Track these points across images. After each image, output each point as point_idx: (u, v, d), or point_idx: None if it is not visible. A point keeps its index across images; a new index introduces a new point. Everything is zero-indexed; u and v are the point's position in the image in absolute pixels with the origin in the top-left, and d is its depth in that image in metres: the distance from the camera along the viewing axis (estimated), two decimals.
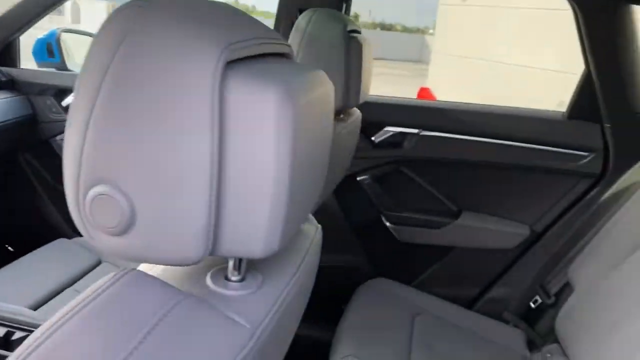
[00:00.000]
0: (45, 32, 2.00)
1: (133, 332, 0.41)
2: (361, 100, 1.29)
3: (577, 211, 1.64)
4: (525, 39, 6.97)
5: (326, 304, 1.88)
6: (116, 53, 0.41)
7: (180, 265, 0.48)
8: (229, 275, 0.51)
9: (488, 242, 1.73)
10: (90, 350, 0.39)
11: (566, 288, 1.58)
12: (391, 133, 1.71)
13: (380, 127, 1.72)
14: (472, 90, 7.65)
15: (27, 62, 1.91)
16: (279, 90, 0.43)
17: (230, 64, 0.44)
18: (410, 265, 1.80)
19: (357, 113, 1.43)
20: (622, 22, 1.46)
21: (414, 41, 21.18)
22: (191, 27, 0.42)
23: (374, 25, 31.86)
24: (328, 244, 1.87)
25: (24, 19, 1.77)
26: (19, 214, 1.97)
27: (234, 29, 0.46)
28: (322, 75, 0.58)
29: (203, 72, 0.41)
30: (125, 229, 0.43)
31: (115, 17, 0.43)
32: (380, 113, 1.72)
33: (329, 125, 0.60)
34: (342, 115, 1.30)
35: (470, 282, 1.77)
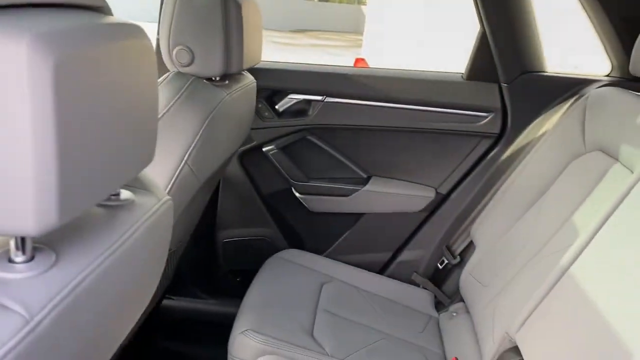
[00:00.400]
0: None
1: None
2: (247, 66, 1.24)
3: (480, 171, 1.67)
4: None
5: (237, 279, 1.85)
6: None
7: None
8: (12, 256, 0.46)
9: (396, 206, 1.73)
10: None
11: (470, 247, 1.61)
12: (295, 101, 1.67)
13: (284, 95, 1.68)
14: (404, 59, 7.71)
15: None
16: (35, 39, 0.38)
17: None
18: (323, 235, 1.79)
19: (247, 79, 1.38)
20: None
21: (352, 12, 21.11)
22: None
23: None
24: (238, 218, 1.85)
25: None
26: None
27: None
28: (131, 29, 0.53)
29: None
30: None
31: None
32: (283, 80, 1.67)
33: (147, 83, 0.55)
34: (226, 82, 1.24)
35: (380, 248, 1.78)
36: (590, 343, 0.90)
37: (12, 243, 0.45)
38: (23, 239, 0.45)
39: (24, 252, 0.46)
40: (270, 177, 1.73)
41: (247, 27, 1.19)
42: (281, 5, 17.71)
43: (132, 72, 0.51)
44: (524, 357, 1.07)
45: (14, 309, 0.42)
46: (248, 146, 1.67)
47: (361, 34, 11.37)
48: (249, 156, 1.71)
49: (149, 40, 0.56)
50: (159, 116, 1.05)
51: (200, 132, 1.07)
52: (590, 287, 0.96)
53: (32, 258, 0.46)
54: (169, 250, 0.89)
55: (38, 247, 0.48)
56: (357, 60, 6.99)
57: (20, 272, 0.45)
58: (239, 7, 1.15)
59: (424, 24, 7.76)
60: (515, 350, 1.12)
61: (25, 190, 0.40)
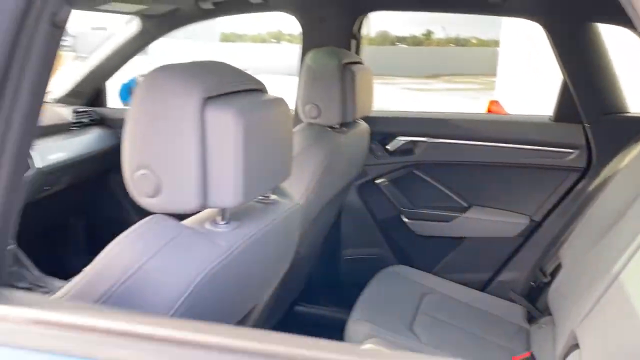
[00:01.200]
0: (128, 77, 2.48)
1: (152, 247, 0.77)
2: (360, 116, 1.63)
3: (569, 201, 1.88)
4: None
5: (352, 290, 2.21)
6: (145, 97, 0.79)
7: (187, 213, 0.84)
8: (217, 220, 0.87)
9: (494, 231, 1.99)
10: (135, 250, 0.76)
11: (559, 267, 1.80)
12: (403, 142, 2.03)
13: (393, 137, 2.04)
14: (540, 100, 7.67)
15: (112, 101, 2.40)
16: (233, 112, 0.79)
17: (210, 99, 0.79)
18: (428, 255, 2.09)
19: (361, 125, 1.77)
20: (586, 36, 1.71)
21: (486, 54, 21.04)
22: (178, 80, 0.79)
23: (449, 42, 31.84)
24: (356, 239, 2.22)
25: (114, 68, 2.26)
26: (106, 226, 2.44)
27: (210, 78, 0.83)
28: (278, 101, 0.93)
29: (188, 106, 0.77)
30: (155, 194, 0.80)
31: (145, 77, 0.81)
32: (392, 125, 2.04)
33: (285, 129, 0.95)
34: (343, 128, 1.64)
35: (480, 269, 2.03)
36: None
37: (218, 212, 0.86)
38: (224, 210, 0.86)
39: (223, 218, 0.86)
40: (382, 205, 2.09)
41: (360, 88, 1.59)
42: (415, 53, 18.23)
43: (279, 125, 0.92)
44: (581, 349, 1.28)
45: (220, 244, 0.82)
46: (364, 179, 2.05)
47: (494, 75, 11.41)
48: (365, 188, 2.08)
49: (287, 106, 0.96)
50: (299, 152, 1.49)
51: (325, 163, 1.47)
52: None
53: (228, 221, 0.87)
54: (299, 253, 1.28)
55: (231, 216, 0.88)
56: (492, 103, 7.12)
57: (222, 228, 0.85)
58: (353, 74, 1.55)
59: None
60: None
61: (229, 183, 0.80)
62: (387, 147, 2.06)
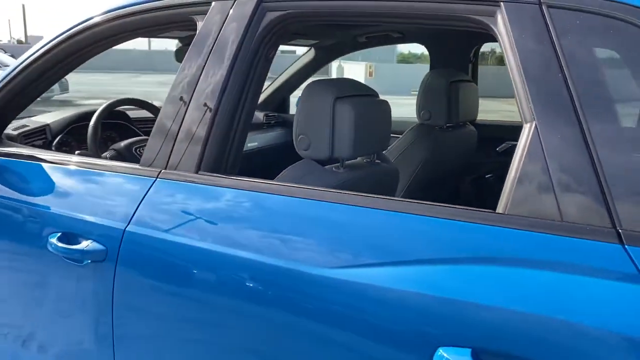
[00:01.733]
0: None
1: (306, 171, 1.45)
2: (464, 119, 2.18)
3: None
4: None
5: None
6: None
7: (323, 160, 1.51)
8: (338, 166, 1.51)
9: None
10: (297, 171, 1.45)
11: None
12: (510, 145, 2.51)
13: (503, 140, 2.53)
14: None
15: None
16: (348, 104, 1.44)
17: (338, 98, 1.45)
18: None
19: (468, 128, 2.31)
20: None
21: None
22: (322, 88, 1.46)
23: None
24: None
25: (296, 84, 3.07)
26: None
27: (340, 87, 1.50)
28: (381, 101, 1.56)
29: (326, 102, 1.44)
30: (307, 149, 1.49)
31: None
32: (502, 131, 2.54)
33: (384, 119, 1.57)
34: (449, 128, 2.20)
35: None
36: None
37: (340, 163, 1.52)
38: (342, 160, 1.51)
39: (342, 165, 1.50)
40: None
41: (463, 99, 2.15)
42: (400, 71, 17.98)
43: (380, 114, 1.55)
44: None
45: (337, 177, 1.48)
46: (475, 175, 2.57)
47: None
48: (476, 181, 2.59)
49: (388, 105, 1.59)
50: (410, 143, 2.11)
51: (428, 153, 2.06)
52: None
53: (344, 167, 1.51)
54: None
55: (346, 165, 1.53)
56: None
57: (340, 170, 1.50)
58: (457, 89, 2.13)
59: None
60: None
61: (345, 145, 1.46)
62: (497, 149, 2.55)
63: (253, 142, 2.77)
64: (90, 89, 14.25)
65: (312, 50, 2.90)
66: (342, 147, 1.40)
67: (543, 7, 0.95)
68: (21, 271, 1.52)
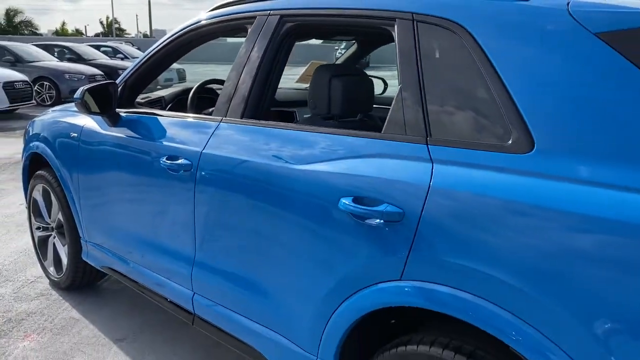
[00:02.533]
0: None
1: None
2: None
3: None
4: None
5: None
6: None
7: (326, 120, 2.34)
8: (335, 121, 2.34)
9: None
10: None
11: None
12: None
13: None
14: None
15: None
16: (338, 78, 2.26)
17: (334, 76, 2.28)
18: None
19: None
20: None
21: None
22: (324, 70, 2.29)
23: None
24: None
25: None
26: None
27: (336, 68, 2.32)
28: (366, 78, 2.36)
29: (326, 78, 2.27)
30: (314, 108, 2.33)
31: None
32: None
33: (367, 89, 2.38)
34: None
35: None
36: None
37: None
38: None
39: (336, 119, 2.34)
40: None
41: None
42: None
43: None
44: None
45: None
46: None
47: None
48: None
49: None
50: None
51: None
52: None
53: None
54: None
55: None
56: None
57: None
58: None
59: None
60: None
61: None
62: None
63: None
64: (200, 78, 15.99)
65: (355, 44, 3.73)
66: (335, 108, 2.22)
67: (414, 22, 1.71)
68: (143, 177, 2.52)
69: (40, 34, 50.63)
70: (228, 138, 2.17)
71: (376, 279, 1.59)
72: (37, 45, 15.55)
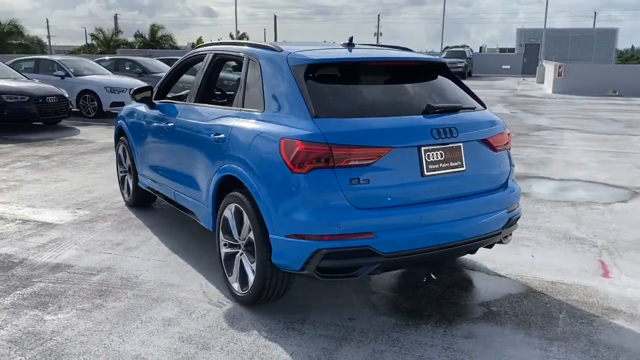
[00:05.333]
0: None
1: None
2: None
3: None
4: None
5: None
6: None
7: None
8: None
9: None
10: None
11: None
12: None
13: None
14: None
15: None
16: None
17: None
18: None
19: None
20: None
21: None
22: None
23: None
24: None
25: None
26: None
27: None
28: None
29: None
30: None
31: None
32: None
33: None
34: None
35: None
36: None
37: None
38: None
39: None
40: None
41: None
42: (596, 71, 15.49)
43: None
44: None
45: None
46: None
47: None
48: None
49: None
50: None
51: None
52: None
53: None
54: None
55: None
56: None
57: None
58: None
59: None
60: None
61: None
62: None
63: None
64: None
65: None
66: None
67: (248, 57, 3.94)
68: (160, 133, 4.97)
69: (178, 48, 56.04)
70: (188, 112, 4.53)
71: (219, 164, 3.83)
72: (161, 60, 19.02)
